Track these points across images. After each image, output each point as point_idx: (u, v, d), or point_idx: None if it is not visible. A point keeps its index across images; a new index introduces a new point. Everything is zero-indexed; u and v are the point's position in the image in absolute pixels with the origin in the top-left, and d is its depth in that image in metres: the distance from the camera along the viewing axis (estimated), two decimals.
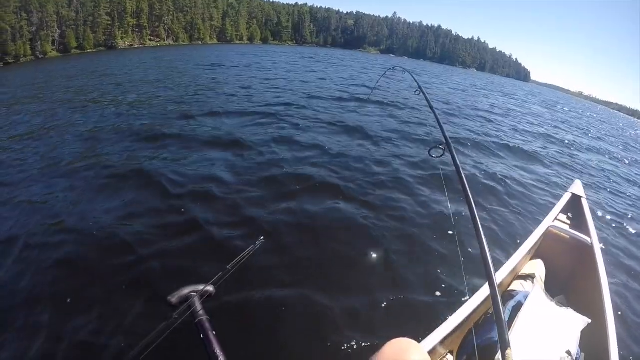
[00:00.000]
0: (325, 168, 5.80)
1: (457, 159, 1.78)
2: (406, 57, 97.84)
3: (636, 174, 11.14)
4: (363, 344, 2.64)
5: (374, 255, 3.74)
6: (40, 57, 39.93)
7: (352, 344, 2.64)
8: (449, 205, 4.76)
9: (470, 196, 1.52)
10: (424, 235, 4.18)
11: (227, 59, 29.26)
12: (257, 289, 3.02)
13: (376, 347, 1.00)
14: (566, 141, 13.20)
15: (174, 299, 1.14)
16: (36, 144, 6.80)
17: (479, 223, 1.38)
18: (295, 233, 3.92)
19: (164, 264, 3.28)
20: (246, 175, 5.28)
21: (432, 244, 4.03)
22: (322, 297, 3.05)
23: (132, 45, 52.56)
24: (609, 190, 8.12)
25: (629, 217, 6.50)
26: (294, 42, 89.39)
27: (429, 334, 1.82)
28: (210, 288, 1.22)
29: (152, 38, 56.80)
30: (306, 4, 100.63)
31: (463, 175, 1.65)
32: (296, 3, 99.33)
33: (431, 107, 2.67)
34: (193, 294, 1.17)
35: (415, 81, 3.60)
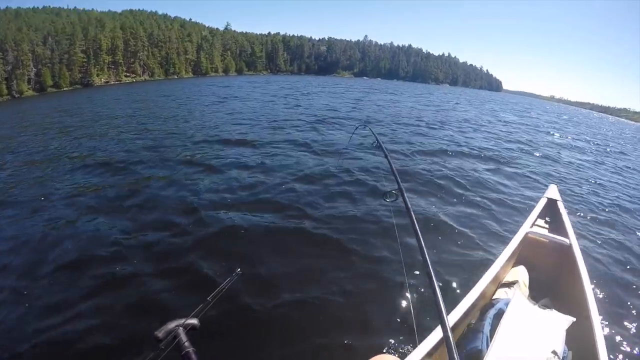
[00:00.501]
0: (292, 195, 5.96)
1: (409, 203, 1.87)
2: (379, 79, 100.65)
3: (607, 170, 12.02)
4: None
5: (348, 274, 3.85)
6: (16, 96, 40.61)
7: None
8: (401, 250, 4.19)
9: (422, 241, 1.59)
10: (386, 254, 4.27)
11: (202, 92, 30.35)
12: (237, 317, 3.12)
13: None
14: (539, 145, 13.91)
15: (160, 333, 1.17)
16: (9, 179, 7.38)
17: (429, 264, 1.41)
18: (270, 258, 4.06)
19: (145, 299, 3.36)
20: (218, 204, 5.47)
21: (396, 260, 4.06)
22: (300, 318, 3.19)
23: (108, 82, 53.49)
24: (584, 189, 8.60)
25: (605, 213, 6.89)
26: (269, 71, 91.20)
27: (414, 349, 1.86)
28: (194, 321, 1.27)
29: (128, 74, 57.84)
30: (279, 33, 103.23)
31: (415, 221, 1.73)
32: (269, 33, 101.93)
33: (386, 156, 2.74)
34: (178, 327, 1.21)
35: (374, 135, 3.53)
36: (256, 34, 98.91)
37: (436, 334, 1.91)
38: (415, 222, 1.67)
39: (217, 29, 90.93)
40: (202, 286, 3.32)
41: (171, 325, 1.20)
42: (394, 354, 1.32)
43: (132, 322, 3.10)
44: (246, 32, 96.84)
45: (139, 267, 3.87)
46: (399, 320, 3.20)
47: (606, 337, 2.09)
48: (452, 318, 2.04)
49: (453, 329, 1.97)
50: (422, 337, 1.93)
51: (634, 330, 3.55)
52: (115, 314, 3.20)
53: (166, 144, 9.55)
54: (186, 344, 1.16)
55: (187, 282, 3.59)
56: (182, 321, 1.22)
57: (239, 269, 1.62)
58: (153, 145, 9.43)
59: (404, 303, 3.41)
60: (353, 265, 4.05)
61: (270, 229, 4.74)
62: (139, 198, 5.76)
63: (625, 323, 3.63)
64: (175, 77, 64.55)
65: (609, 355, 1.94)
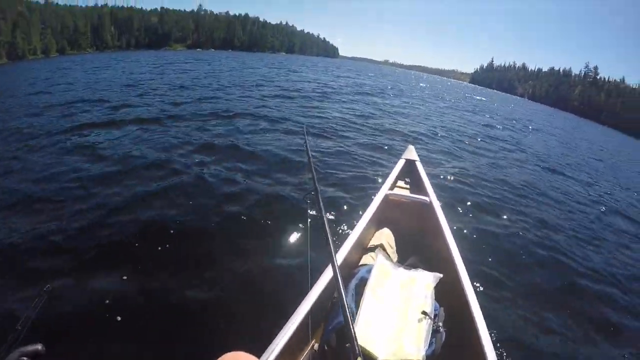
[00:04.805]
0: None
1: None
2: (212, 50, 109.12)
3: (453, 122, 16.18)
4: None
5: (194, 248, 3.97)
6: None
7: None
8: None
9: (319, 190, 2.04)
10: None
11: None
12: (67, 335, 2.82)
13: None
14: (381, 107, 17.65)
15: None
16: None
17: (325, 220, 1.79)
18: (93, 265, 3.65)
19: None
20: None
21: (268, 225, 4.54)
22: (142, 319, 3.00)
23: None
24: (434, 146, 10.52)
25: (453, 164, 8.47)
26: (94, 48, 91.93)
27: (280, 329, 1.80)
28: (37, 346, 1.12)
29: None
30: (107, 4, 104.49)
31: (312, 165, 2.22)
32: (96, 4, 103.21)
33: (309, 159, 2.84)
34: (22, 357, 1.07)
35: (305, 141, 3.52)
36: (81, 6, 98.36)
37: (298, 315, 1.87)
38: (312, 165, 2.09)
39: (36, 2, 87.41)
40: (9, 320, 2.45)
41: (13, 356, 1.07)
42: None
43: None
44: (70, 5, 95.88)
45: None
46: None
47: (475, 288, 2.23)
48: (314, 294, 2.03)
49: (316, 306, 2.00)
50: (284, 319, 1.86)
51: (499, 280, 4.01)
52: None
53: None
54: None
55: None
56: (26, 349, 1.09)
57: (48, 286, 1.40)
58: None
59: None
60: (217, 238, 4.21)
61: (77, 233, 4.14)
62: None
63: (490, 272, 4.07)
64: None
65: (480, 306, 2.06)
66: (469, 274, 2.33)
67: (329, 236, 1.66)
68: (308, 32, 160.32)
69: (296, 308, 1.93)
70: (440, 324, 1.91)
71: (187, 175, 5.80)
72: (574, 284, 4.52)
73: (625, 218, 8.31)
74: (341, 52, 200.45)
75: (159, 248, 3.86)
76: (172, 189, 5.32)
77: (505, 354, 2.83)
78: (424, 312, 1.89)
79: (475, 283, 2.42)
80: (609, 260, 5.52)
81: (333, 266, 1.50)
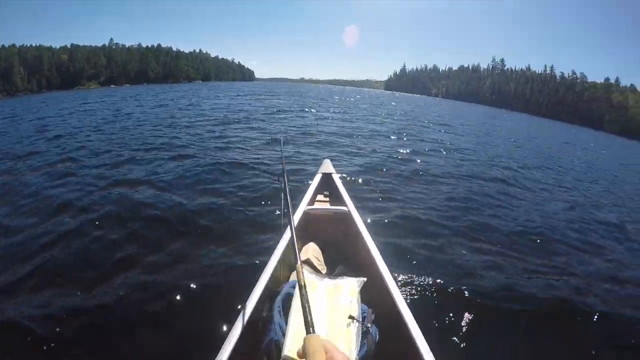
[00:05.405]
0: None
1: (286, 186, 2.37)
2: (127, 85, 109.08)
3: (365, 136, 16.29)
4: None
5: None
6: None
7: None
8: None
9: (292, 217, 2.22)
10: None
11: None
12: None
13: None
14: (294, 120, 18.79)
15: None
16: None
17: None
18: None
19: None
20: None
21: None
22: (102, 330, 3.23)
23: None
24: (349, 155, 11.11)
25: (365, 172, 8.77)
26: (5, 93, 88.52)
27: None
28: None
29: None
30: (14, 44, 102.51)
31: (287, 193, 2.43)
32: (2, 45, 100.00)
33: (281, 151, 3.83)
34: None
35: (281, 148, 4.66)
36: None
37: (232, 337, 1.96)
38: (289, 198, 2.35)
39: None
40: None
41: None
42: None
43: None
44: None
45: None
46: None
47: (398, 284, 2.38)
48: (247, 313, 2.13)
49: (248, 324, 2.08)
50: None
51: (422, 276, 4.06)
52: None
53: None
54: None
55: None
56: None
57: None
58: None
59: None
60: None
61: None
62: None
63: (412, 270, 4.14)
64: None
65: (405, 299, 2.23)
66: (392, 272, 2.52)
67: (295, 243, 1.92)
68: (223, 58, 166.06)
69: (230, 329, 2.01)
70: (369, 324, 2.00)
71: (99, 212, 5.84)
72: (487, 263, 4.74)
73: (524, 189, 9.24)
74: (257, 75, 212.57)
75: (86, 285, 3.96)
76: (84, 226, 5.37)
77: (433, 337, 2.38)
78: (350, 317, 1.95)
79: (398, 279, 2.43)
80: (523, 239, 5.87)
81: (294, 257, 1.74)
